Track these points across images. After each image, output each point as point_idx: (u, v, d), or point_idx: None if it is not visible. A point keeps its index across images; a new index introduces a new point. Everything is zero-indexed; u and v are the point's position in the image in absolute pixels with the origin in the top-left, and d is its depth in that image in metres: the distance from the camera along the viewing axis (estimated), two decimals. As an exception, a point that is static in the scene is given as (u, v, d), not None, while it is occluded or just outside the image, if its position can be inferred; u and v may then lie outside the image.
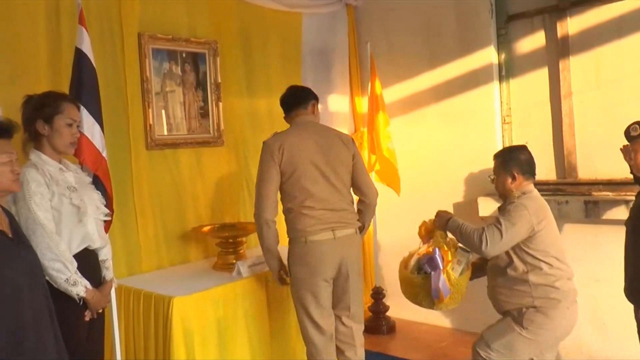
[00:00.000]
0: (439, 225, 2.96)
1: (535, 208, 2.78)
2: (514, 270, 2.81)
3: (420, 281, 2.94)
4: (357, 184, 3.13)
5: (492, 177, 2.99)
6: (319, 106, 3.30)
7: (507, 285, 2.84)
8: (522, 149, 2.98)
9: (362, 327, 3.20)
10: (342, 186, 3.03)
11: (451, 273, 2.89)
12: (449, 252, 2.93)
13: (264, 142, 3.03)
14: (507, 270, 2.83)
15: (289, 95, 3.21)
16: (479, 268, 3.06)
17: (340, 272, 3.00)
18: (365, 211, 3.18)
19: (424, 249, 2.99)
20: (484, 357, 2.84)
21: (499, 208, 2.99)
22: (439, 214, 3.00)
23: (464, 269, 2.93)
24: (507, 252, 2.83)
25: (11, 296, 1.94)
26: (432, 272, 2.88)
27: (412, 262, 3.01)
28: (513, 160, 2.89)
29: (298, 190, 2.96)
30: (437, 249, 2.91)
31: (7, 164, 2.02)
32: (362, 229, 3.19)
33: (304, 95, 3.17)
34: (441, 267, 2.88)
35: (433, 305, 3.00)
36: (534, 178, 2.94)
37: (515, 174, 2.87)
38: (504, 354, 2.80)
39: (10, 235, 2.05)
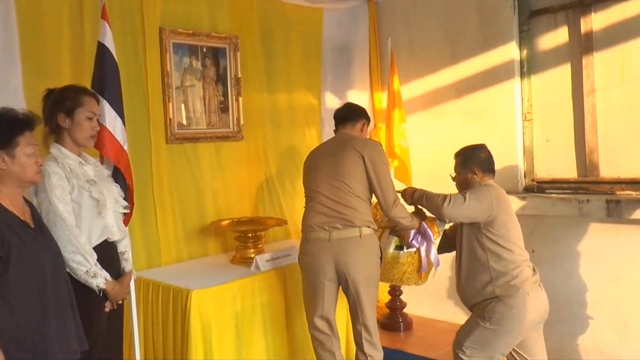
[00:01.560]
0: (407, 201, 3.10)
1: (497, 195, 2.90)
2: (476, 259, 2.89)
3: (408, 259, 3.10)
4: (372, 189, 3.00)
5: (453, 175, 3.11)
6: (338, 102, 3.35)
7: (471, 277, 2.93)
8: (481, 147, 3.09)
9: (370, 337, 3.05)
10: (346, 187, 2.95)
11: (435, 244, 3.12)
12: (435, 225, 3.09)
13: None
14: (470, 260, 2.93)
15: (343, 110, 3.31)
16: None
17: (339, 276, 2.98)
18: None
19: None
20: (462, 356, 2.89)
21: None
22: (405, 191, 3.14)
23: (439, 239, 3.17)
24: (469, 240, 2.93)
25: (36, 284, 2.00)
26: (421, 247, 3.07)
27: (388, 243, 3.13)
28: (472, 158, 3.03)
29: (305, 190, 3.13)
30: (423, 223, 3.09)
31: (32, 156, 2.07)
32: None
33: (356, 114, 3.25)
34: (432, 240, 3.08)
35: (419, 280, 3.19)
36: (494, 175, 3.05)
37: (476, 171, 3.00)
38: (479, 349, 2.86)
39: (32, 226, 2.10)
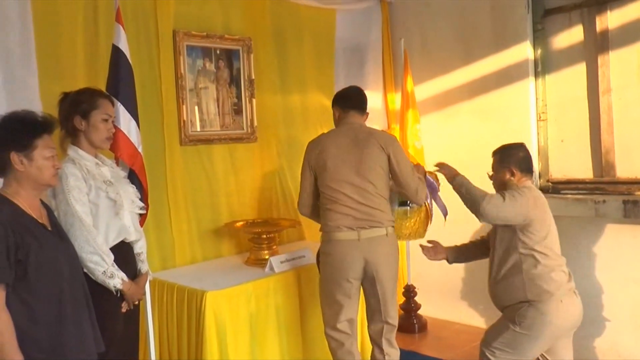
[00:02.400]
0: (446, 176, 3.07)
1: (534, 196, 2.85)
2: (508, 261, 2.84)
3: (416, 214, 3.19)
4: (397, 184, 3.04)
5: (491, 173, 3.06)
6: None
7: (503, 279, 2.88)
8: (521, 146, 3.03)
9: (393, 329, 3.12)
10: (371, 187, 2.94)
11: None
12: (436, 174, 3.20)
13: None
14: (503, 261, 2.87)
15: (354, 93, 3.19)
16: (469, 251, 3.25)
17: (366, 274, 2.97)
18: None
19: None
20: (489, 356, 2.85)
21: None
22: (444, 165, 3.12)
23: None
24: (503, 241, 2.88)
25: (54, 286, 2.03)
26: (427, 200, 3.15)
27: (391, 201, 3.14)
28: (511, 157, 2.96)
29: (325, 188, 3.00)
30: (428, 176, 3.16)
31: (49, 159, 2.09)
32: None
33: (366, 103, 3.20)
34: (438, 189, 3.19)
35: (424, 233, 3.28)
36: (532, 175, 3.00)
37: (514, 170, 2.94)
38: (508, 352, 2.82)
39: (49, 228, 2.12)
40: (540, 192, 2.94)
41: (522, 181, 2.93)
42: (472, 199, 2.87)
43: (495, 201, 2.79)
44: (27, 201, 2.06)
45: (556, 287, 2.76)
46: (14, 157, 2.02)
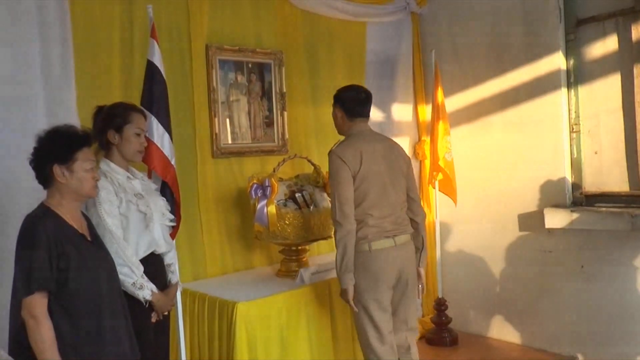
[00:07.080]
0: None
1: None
2: None
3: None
4: (408, 199, 3.12)
5: None
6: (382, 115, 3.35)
7: None
8: None
9: (417, 334, 3.24)
10: (401, 193, 3.06)
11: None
12: (277, 185, 3.33)
13: (334, 152, 2.97)
14: None
15: (367, 99, 3.15)
16: None
17: (400, 279, 3.00)
18: (418, 230, 3.15)
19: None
20: None
21: None
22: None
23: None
24: None
25: (93, 295, 2.09)
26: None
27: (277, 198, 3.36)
28: None
29: (363, 198, 2.94)
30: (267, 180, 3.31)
31: (89, 171, 2.17)
32: (421, 249, 3.16)
33: (370, 108, 3.17)
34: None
35: None
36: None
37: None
38: None
39: (89, 238, 2.19)
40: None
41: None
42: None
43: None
44: (69, 212, 2.14)
45: None
46: (56, 169, 2.09)
